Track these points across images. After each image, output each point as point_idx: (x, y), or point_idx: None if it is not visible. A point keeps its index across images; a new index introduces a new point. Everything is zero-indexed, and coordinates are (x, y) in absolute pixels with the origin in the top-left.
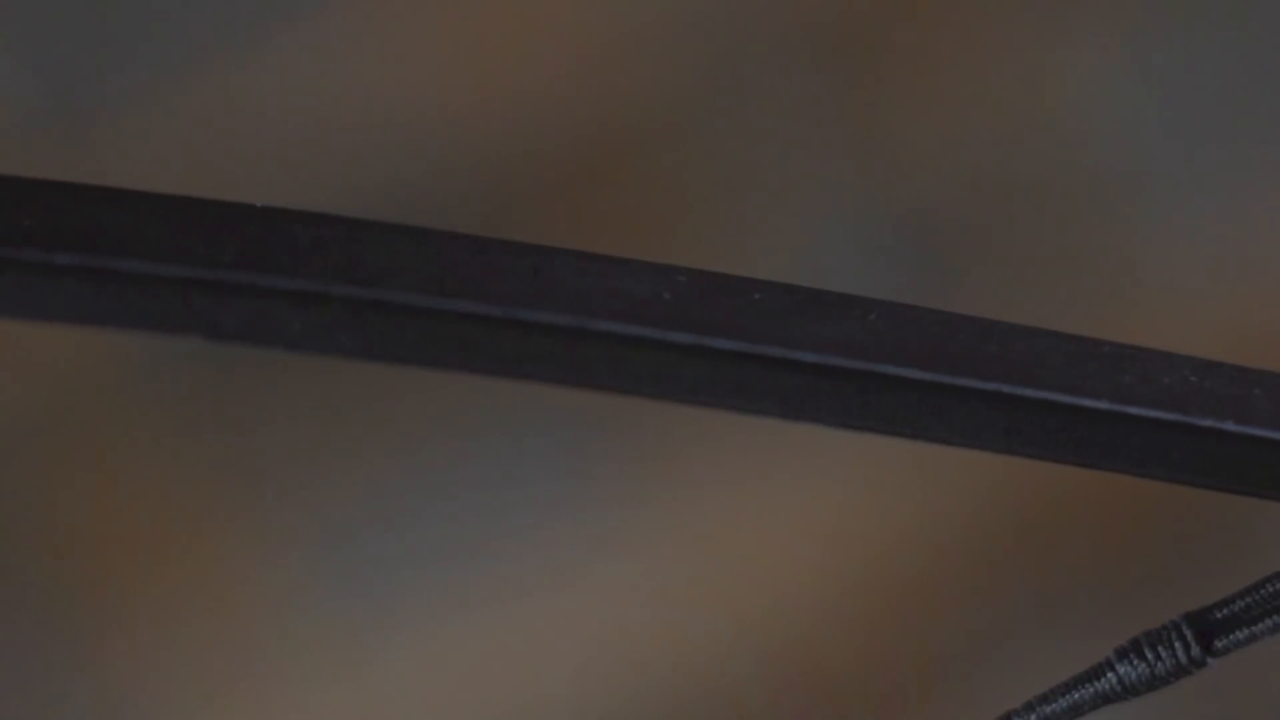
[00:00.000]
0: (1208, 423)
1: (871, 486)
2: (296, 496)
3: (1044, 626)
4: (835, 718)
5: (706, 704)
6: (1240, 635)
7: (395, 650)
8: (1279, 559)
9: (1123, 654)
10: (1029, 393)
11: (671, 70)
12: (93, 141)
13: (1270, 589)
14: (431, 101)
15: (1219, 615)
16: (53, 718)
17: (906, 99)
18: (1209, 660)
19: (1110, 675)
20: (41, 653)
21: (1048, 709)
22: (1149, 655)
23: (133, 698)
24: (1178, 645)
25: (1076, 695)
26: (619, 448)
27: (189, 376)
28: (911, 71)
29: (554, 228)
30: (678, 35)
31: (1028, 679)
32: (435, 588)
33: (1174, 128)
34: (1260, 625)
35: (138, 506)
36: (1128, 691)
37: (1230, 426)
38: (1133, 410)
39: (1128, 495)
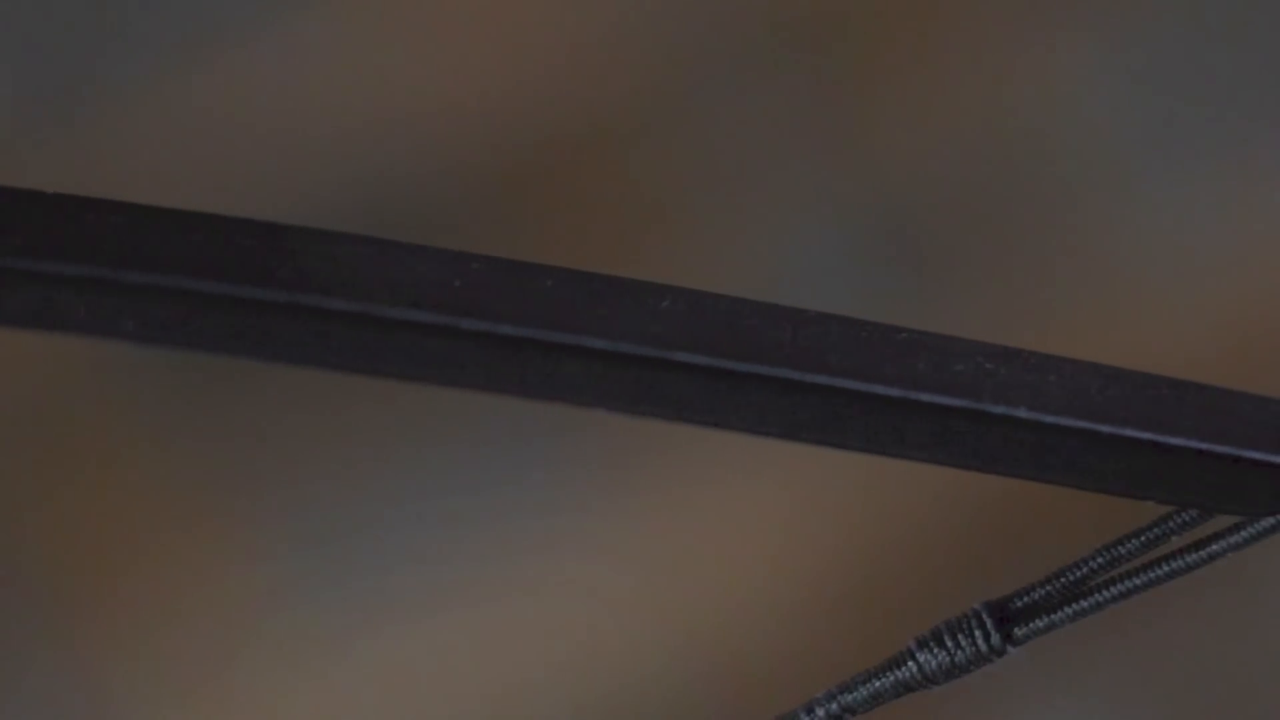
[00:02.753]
0: (999, 409)
1: (820, 493)
2: (273, 499)
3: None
4: None
5: (661, 710)
6: (1039, 623)
7: (366, 650)
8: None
9: (923, 643)
10: (818, 379)
11: (645, 72)
12: (77, 140)
13: (1068, 578)
14: (400, 104)
15: (1018, 604)
16: (29, 715)
17: (881, 100)
18: (1009, 648)
19: (910, 664)
20: (17, 650)
21: (848, 698)
22: (949, 644)
23: (109, 695)
24: (977, 634)
25: (877, 684)
26: (587, 454)
27: (165, 378)
28: (886, 73)
29: (525, 230)
30: (651, 37)
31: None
32: (407, 590)
33: (1150, 126)
34: (1059, 613)
35: (114, 506)
36: (928, 680)
37: (1023, 413)
38: (924, 397)
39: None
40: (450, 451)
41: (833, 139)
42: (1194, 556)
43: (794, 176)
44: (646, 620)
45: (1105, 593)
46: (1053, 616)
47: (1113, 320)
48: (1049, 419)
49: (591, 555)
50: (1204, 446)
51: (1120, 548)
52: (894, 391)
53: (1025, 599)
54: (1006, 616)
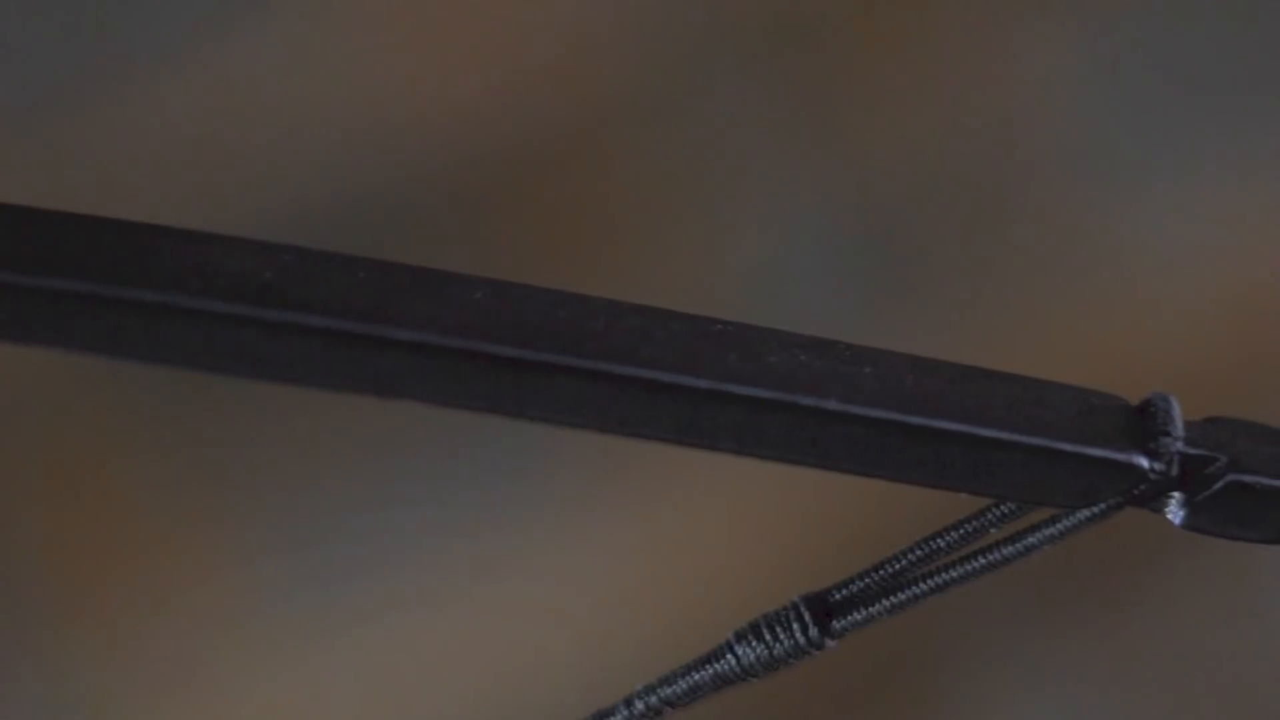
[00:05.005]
0: (809, 401)
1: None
2: (251, 504)
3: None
4: None
5: None
6: (857, 616)
7: (341, 650)
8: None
9: (741, 636)
10: (629, 371)
11: (627, 70)
12: (62, 140)
13: (886, 571)
14: (379, 108)
15: (837, 597)
16: (8, 715)
17: (867, 98)
18: (827, 642)
19: (729, 657)
20: None
21: (667, 690)
22: (767, 637)
23: (87, 695)
24: (795, 627)
25: (696, 677)
26: (560, 465)
27: (142, 383)
28: (873, 71)
29: (509, 229)
30: (633, 35)
31: (970, 676)
32: (382, 593)
33: (1138, 122)
34: (876, 606)
35: (91, 511)
36: (746, 673)
37: (832, 405)
38: (735, 389)
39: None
40: (425, 460)
41: (818, 138)
42: (1010, 549)
43: (779, 176)
44: (615, 626)
45: (923, 585)
46: (871, 609)
47: (1099, 317)
48: (859, 410)
49: (565, 560)
50: (1016, 439)
51: (938, 541)
52: (705, 383)
53: (843, 592)
54: (825, 609)
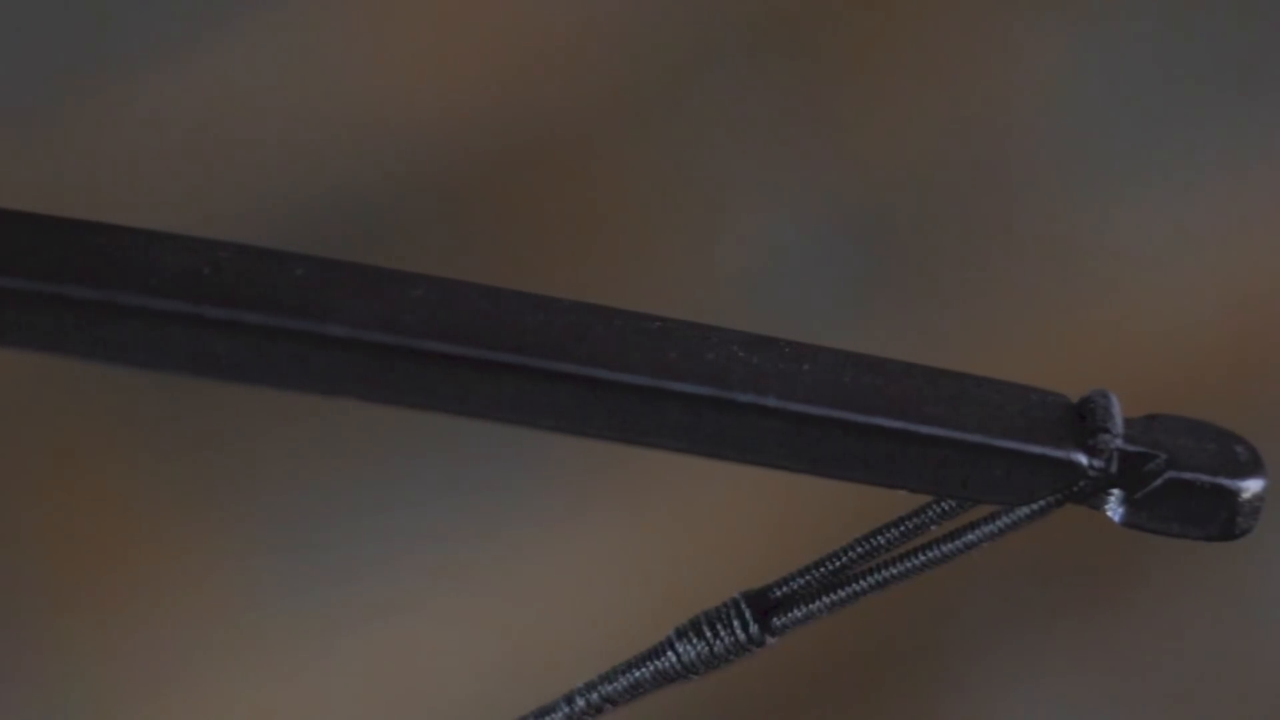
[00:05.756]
0: (747, 398)
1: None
2: (246, 506)
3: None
4: None
5: None
6: (798, 613)
7: (334, 651)
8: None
9: (682, 633)
10: (567, 368)
11: (622, 71)
12: (55, 139)
13: (827, 568)
14: (365, 109)
15: (777, 594)
16: (1, 714)
17: (859, 96)
18: (768, 639)
19: (670, 654)
20: None
21: (608, 688)
22: (708, 634)
23: (80, 695)
24: (736, 624)
25: (637, 674)
26: (556, 469)
27: (138, 383)
28: (868, 68)
29: (501, 230)
30: (629, 29)
31: (969, 669)
32: (376, 595)
33: (1135, 117)
34: (816, 603)
35: (85, 511)
36: (687, 670)
37: (771, 402)
38: (672, 385)
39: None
40: (422, 463)
41: (813, 137)
42: (950, 546)
43: (775, 174)
44: (610, 628)
45: (863, 582)
46: (812, 606)
47: (1096, 313)
48: (797, 407)
49: (559, 562)
50: (954, 436)
51: (879, 538)
52: (642, 380)
53: (784, 589)
54: (766, 606)
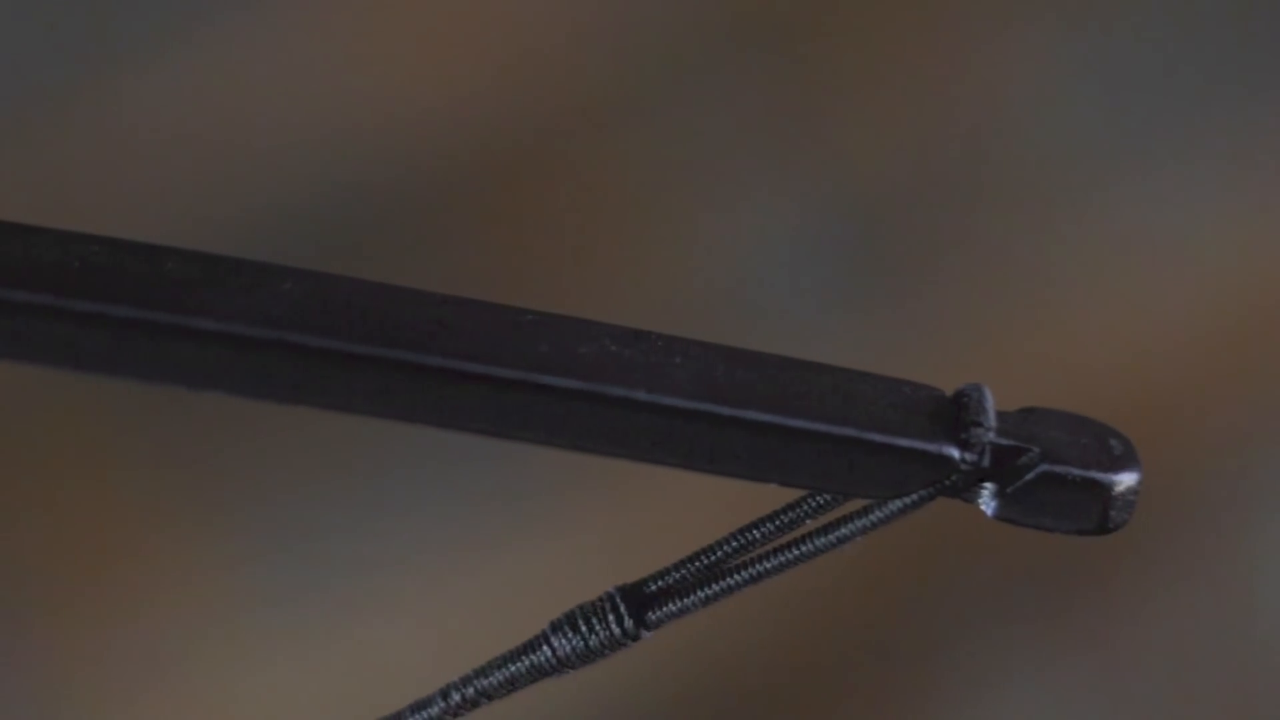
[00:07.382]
0: (618, 391)
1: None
2: (237, 509)
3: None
4: None
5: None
6: (672, 608)
7: (324, 650)
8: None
9: (557, 627)
10: (435, 361)
11: (608, 71)
12: (48, 138)
13: (702, 562)
14: (359, 105)
15: (652, 588)
16: None
17: (847, 98)
18: (642, 633)
19: (545, 648)
20: None
21: (484, 682)
22: (583, 628)
23: (70, 694)
24: (611, 618)
25: (512, 668)
26: (551, 476)
27: (134, 391)
28: (852, 70)
29: (491, 230)
30: (618, 31)
31: (967, 661)
32: (367, 595)
33: (1121, 121)
34: (690, 598)
35: (76, 513)
36: (562, 664)
37: (641, 395)
38: (543, 379)
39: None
40: (412, 465)
41: (803, 138)
42: (824, 540)
43: (765, 175)
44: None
45: (738, 576)
46: (686, 600)
47: (1093, 317)
48: (667, 400)
49: (550, 564)
50: (825, 430)
51: (754, 531)
52: (514, 374)
53: (659, 583)
54: (640, 601)
